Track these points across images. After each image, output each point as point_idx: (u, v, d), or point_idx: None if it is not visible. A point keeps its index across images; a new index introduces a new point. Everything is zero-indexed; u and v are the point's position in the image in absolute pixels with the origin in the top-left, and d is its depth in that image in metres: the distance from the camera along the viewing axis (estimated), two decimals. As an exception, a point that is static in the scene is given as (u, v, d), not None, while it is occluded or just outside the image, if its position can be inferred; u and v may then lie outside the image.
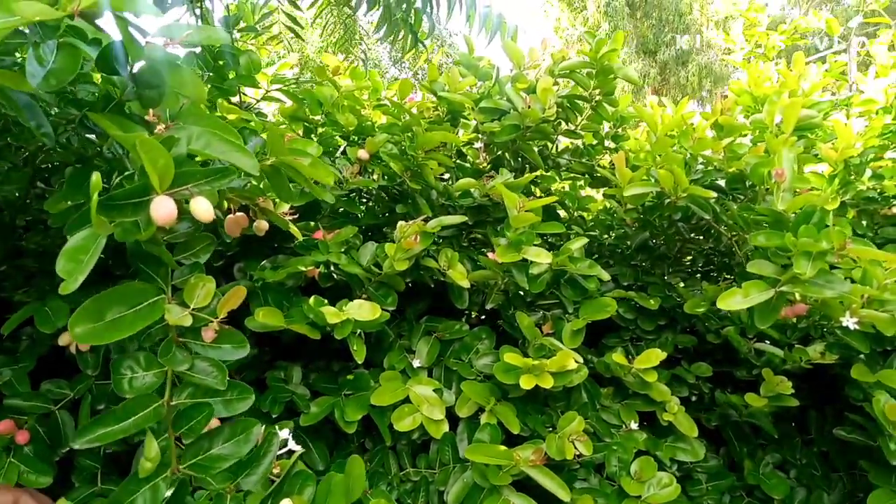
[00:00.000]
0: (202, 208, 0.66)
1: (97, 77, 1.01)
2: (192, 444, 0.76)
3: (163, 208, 0.62)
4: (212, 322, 0.77)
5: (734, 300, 1.20)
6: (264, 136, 1.01)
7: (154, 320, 0.70)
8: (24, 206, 1.30)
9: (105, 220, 0.62)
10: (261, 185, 1.02)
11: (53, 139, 0.82)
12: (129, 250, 0.76)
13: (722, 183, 1.60)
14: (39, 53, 0.62)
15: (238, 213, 1.02)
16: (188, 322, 0.73)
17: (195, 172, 0.65)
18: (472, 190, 1.59)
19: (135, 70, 0.71)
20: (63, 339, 1.24)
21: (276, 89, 1.64)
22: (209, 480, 0.72)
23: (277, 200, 1.09)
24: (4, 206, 1.32)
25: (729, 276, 1.91)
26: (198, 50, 1.40)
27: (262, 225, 1.02)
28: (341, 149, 1.73)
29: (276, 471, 0.84)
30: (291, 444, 0.91)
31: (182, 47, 0.85)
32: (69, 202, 1.01)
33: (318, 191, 1.43)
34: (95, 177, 0.60)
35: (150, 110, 0.76)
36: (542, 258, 1.36)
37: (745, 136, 1.76)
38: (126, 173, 0.67)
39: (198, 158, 0.75)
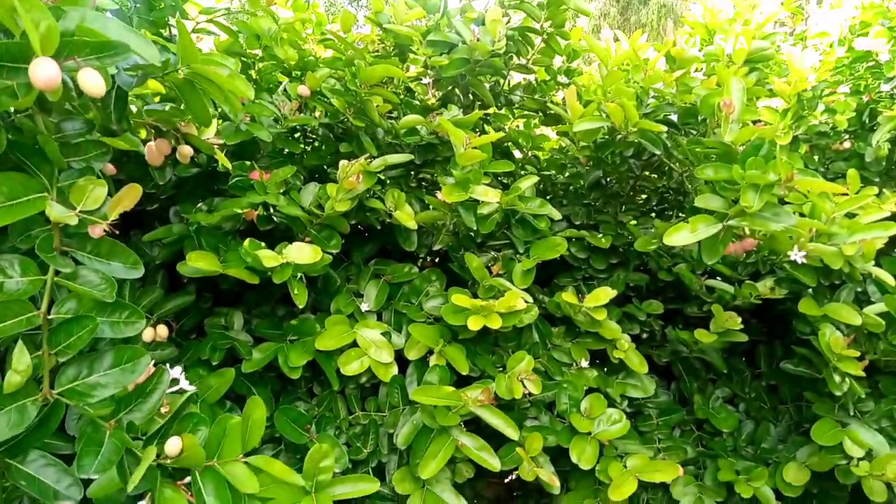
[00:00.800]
0: (91, 81, 0.58)
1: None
2: (69, 366, 0.68)
3: (43, 70, 0.55)
4: (100, 223, 0.70)
5: (681, 235, 1.18)
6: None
7: (32, 213, 0.63)
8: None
9: None
10: (181, 108, 0.94)
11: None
12: (11, 142, 0.67)
13: (674, 118, 1.56)
14: None
15: (158, 140, 0.94)
16: (74, 221, 0.66)
17: (83, 44, 0.57)
18: (418, 127, 1.53)
19: None
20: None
21: (206, 20, 1.53)
22: (86, 409, 0.66)
23: (201, 128, 1.01)
24: None
25: (682, 214, 1.90)
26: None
27: (185, 151, 0.95)
28: (283, 85, 1.64)
29: (164, 410, 0.77)
30: (184, 384, 0.86)
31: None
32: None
33: (255, 127, 1.36)
34: None
35: None
36: (490, 197, 1.32)
37: (700, 70, 1.72)
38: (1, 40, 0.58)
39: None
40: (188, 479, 0.75)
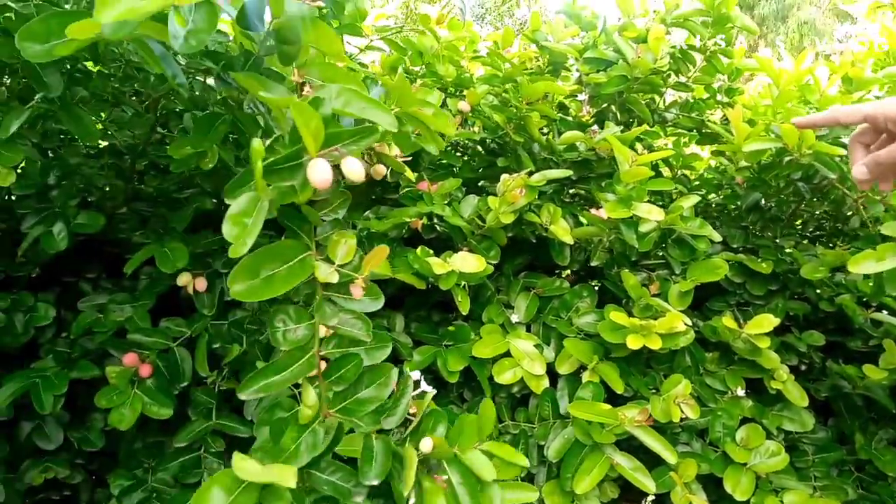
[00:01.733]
0: (353, 168, 0.66)
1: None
2: (339, 392, 0.78)
3: (319, 171, 0.63)
4: (357, 278, 0.78)
5: (867, 264, 1.12)
6: (380, 84, 1.00)
7: (305, 277, 0.72)
8: (143, 152, 1.34)
9: (266, 184, 0.63)
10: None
11: (187, 89, 0.83)
12: (277, 210, 0.77)
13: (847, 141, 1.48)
14: (180, 14, 0.62)
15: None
16: (335, 279, 0.75)
17: (342, 133, 0.64)
18: (577, 143, 1.54)
19: (272, 26, 0.70)
20: (181, 280, 1.30)
21: (380, 38, 1.62)
22: (358, 423, 0.75)
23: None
24: (126, 150, 1.37)
25: (841, 243, 1.79)
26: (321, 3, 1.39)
27: (380, 169, 1.01)
28: (444, 101, 1.70)
29: (412, 411, 0.86)
30: (424, 386, 0.93)
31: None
32: (193, 148, 1.03)
33: (424, 140, 1.43)
34: (257, 143, 0.60)
35: (296, 70, 0.75)
36: (653, 215, 1.31)
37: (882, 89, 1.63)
38: (274, 136, 0.67)
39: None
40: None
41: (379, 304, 0.82)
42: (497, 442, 0.94)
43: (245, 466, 0.60)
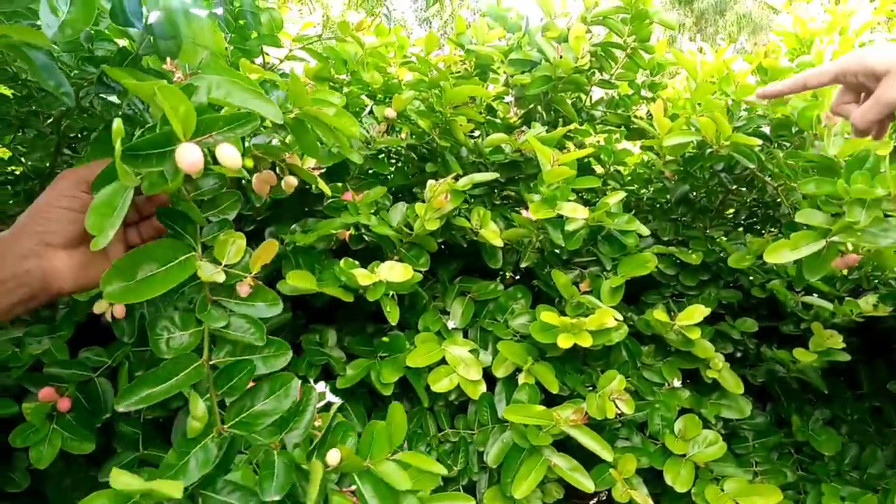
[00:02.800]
0: (229, 155, 0.63)
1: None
2: (234, 403, 0.75)
3: (189, 155, 0.59)
4: (245, 277, 0.75)
5: (782, 253, 1.13)
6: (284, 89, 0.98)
7: (186, 277, 0.68)
8: (51, 174, 1.29)
9: (131, 171, 0.59)
10: (286, 141, 0.99)
11: (73, 99, 0.80)
12: (157, 208, 0.74)
13: (767, 130, 1.51)
14: (53, 4, 0.60)
15: (265, 171, 0.99)
16: (221, 278, 0.71)
17: (217, 119, 0.61)
18: (503, 146, 1.54)
19: (150, 21, 0.67)
20: (98, 307, 1.24)
21: (300, 48, 1.59)
22: (256, 437, 0.71)
23: (303, 156, 1.05)
24: (33, 174, 1.31)
25: (773, 229, 1.83)
26: (219, 11, 1.36)
27: (290, 181, 0.99)
28: (368, 108, 1.68)
29: (317, 424, 0.84)
30: (330, 397, 0.90)
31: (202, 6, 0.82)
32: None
33: (346, 149, 1.40)
34: (117, 124, 0.57)
35: (168, 59, 0.72)
36: (578, 213, 1.31)
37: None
38: (147, 125, 0.64)
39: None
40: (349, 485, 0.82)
41: (276, 310, 0.78)
42: (413, 452, 0.90)
43: (124, 479, 0.56)
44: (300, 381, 0.78)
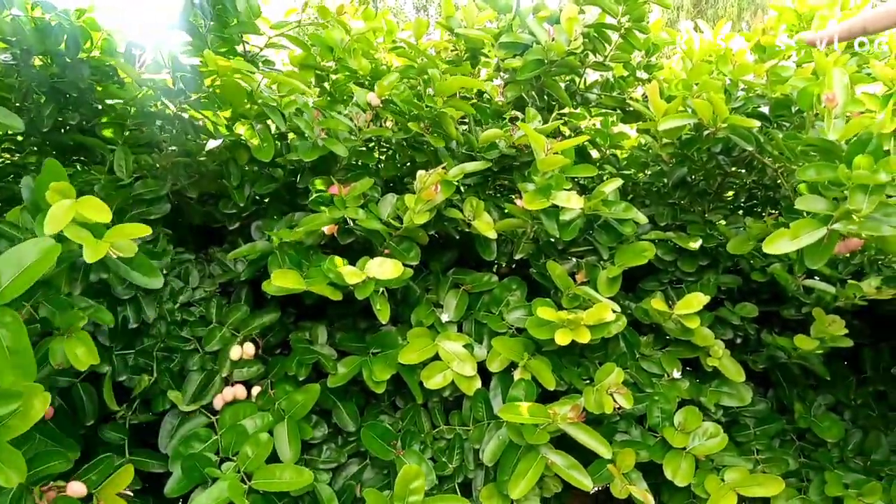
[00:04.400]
0: None
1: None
2: None
3: None
4: None
5: (782, 243, 1.08)
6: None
7: None
8: None
9: None
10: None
11: None
12: None
13: (765, 110, 1.46)
14: None
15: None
16: None
17: None
18: (498, 141, 1.48)
19: None
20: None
21: (278, 34, 1.54)
22: None
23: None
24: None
25: (774, 211, 1.79)
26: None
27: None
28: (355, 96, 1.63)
29: None
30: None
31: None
32: None
33: (331, 142, 1.36)
34: None
35: None
36: (572, 203, 1.27)
37: (790, 58, 1.61)
38: None
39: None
40: None
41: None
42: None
43: None
44: None
